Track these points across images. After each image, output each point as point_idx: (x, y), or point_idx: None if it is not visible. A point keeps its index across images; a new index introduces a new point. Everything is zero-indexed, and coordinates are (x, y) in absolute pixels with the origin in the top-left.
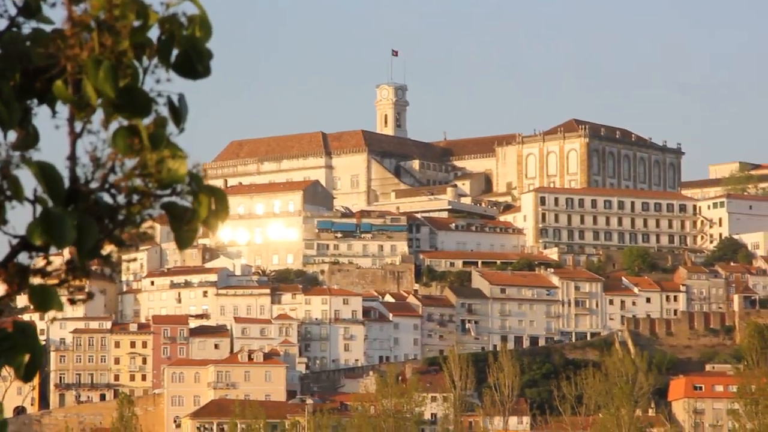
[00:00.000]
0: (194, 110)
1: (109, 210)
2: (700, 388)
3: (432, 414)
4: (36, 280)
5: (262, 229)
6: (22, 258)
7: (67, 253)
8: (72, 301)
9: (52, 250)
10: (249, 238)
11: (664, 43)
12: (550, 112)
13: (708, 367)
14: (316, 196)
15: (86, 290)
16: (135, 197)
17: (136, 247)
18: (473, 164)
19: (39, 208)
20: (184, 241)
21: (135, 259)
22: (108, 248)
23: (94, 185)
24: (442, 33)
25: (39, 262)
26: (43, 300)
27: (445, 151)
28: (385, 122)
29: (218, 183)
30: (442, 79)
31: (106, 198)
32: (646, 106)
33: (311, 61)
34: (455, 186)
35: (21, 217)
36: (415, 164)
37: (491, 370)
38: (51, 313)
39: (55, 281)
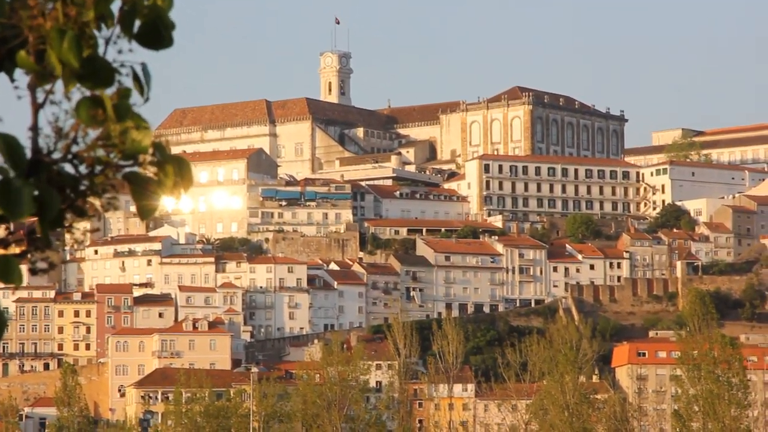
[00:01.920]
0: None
1: (72, 180)
2: (644, 354)
3: (377, 382)
4: None
5: (206, 197)
6: None
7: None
8: (33, 271)
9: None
10: (193, 206)
11: (606, 8)
12: (493, 79)
13: (651, 334)
14: (260, 164)
15: (48, 260)
16: (98, 168)
17: (99, 218)
18: (417, 132)
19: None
20: (146, 212)
21: (98, 230)
22: (70, 218)
23: (56, 156)
24: (386, 0)
25: (0, 232)
26: (5, 272)
27: (389, 119)
28: (329, 90)
29: None
30: (386, 47)
31: (69, 169)
32: (588, 73)
33: (254, 29)
34: (399, 154)
35: None
36: (360, 132)
37: (436, 338)
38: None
39: (17, 251)
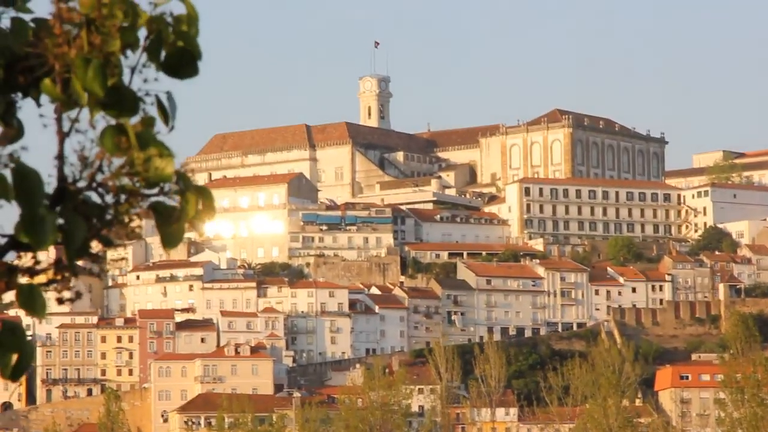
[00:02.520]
0: (177, 104)
1: (98, 209)
2: (687, 377)
3: (419, 406)
4: (24, 280)
5: (246, 222)
6: (10, 257)
7: (54, 252)
8: (60, 301)
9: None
10: (234, 231)
11: (647, 31)
12: (533, 102)
13: (694, 357)
14: (301, 188)
15: (75, 289)
16: (123, 196)
17: (124, 246)
18: (457, 155)
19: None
20: (170, 241)
21: (124, 259)
22: (96, 247)
23: (81, 184)
24: (425, 24)
25: (27, 261)
26: (30, 301)
27: (429, 142)
28: (369, 114)
29: (203, 177)
30: (425, 71)
31: (94, 197)
32: (629, 95)
33: (294, 53)
34: (440, 177)
35: (10, 216)
36: (400, 156)
37: (478, 362)
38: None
39: (43, 280)
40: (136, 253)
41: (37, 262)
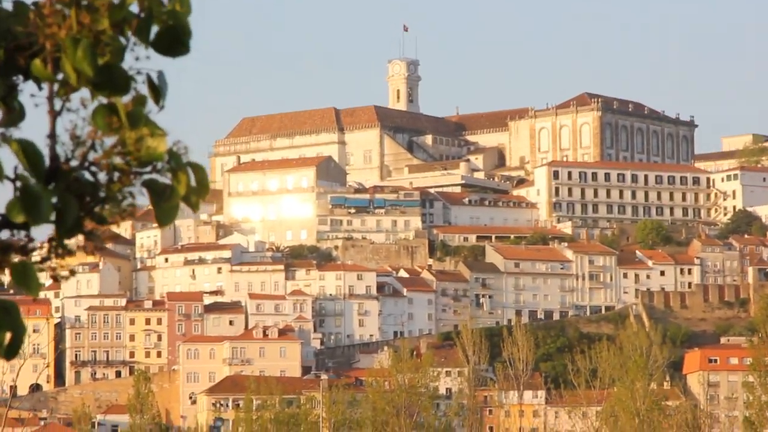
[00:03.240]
0: (206, 87)
1: (90, 187)
2: (715, 360)
3: (446, 389)
4: (17, 258)
5: (275, 205)
6: (3, 235)
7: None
8: (55, 278)
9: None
10: (263, 214)
11: (676, 14)
12: (562, 85)
13: (723, 340)
14: (329, 171)
15: (69, 267)
16: (115, 175)
17: (117, 224)
18: (486, 139)
19: (20, 186)
20: (164, 219)
21: (117, 236)
22: (90, 225)
23: (74, 163)
24: (454, 7)
25: (21, 239)
26: (24, 278)
27: (457, 125)
28: (398, 97)
29: (231, 160)
30: (454, 54)
31: (87, 176)
32: (659, 78)
33: (323, 37)
34: (468, 161)
35: (1, 195)
36: (428, 139)
37: (505, 345)
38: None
39: (38, 258)
40: (164, 236)
41: (31, 240)
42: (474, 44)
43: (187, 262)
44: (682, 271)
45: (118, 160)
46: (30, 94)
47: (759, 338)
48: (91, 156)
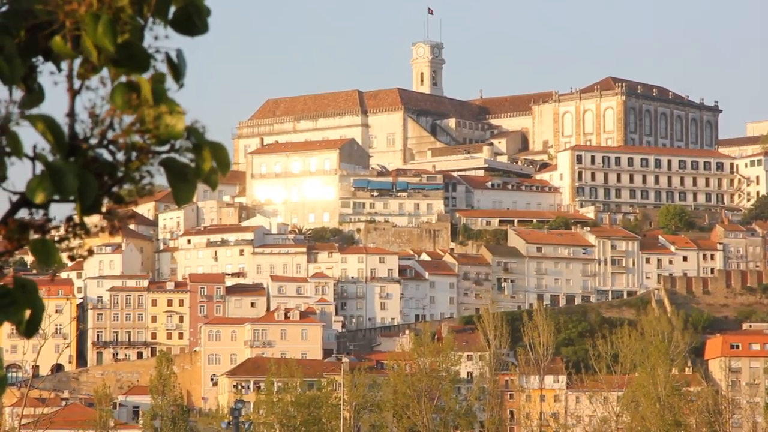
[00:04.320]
0: (230, 69)
1: (108, 166)
2: (737, 346)
3: (468, 373)
4: (36, 236)
5: (298, 187)
6: (22, 214)
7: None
8: (72, 258)
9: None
10: (285, 196)
11: (700, 0)
12: (586, 69)
13: (745, 326)
14: (352, 154)
15: (86, 247)
16: (133, 154)
17: (135, 204)
18: (509, 122)
19: (38, 165)
20: (181, 198)
21: (134, 216)
22: (108, 205)
23: (92, 141)
24: None
25: (39, 218)
26: (45, 255)
27: (481, 109)
28: (421, 80)
29: (254, 141)
30: (478, 37)
31: (105, 155)
32: (682, 63)
33: (347, 19)
34: (491, 144)
35: (20, 173)
36: (452, 123)
37: (527, 329)
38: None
39: (56, 237)
40: (187, 218)
41: (49, 220)
42: (498, 28)
43: (209, 244)
44: (704, 256)
45: (136, 138)
46: (50, 72)
47: None
48: (110, 134)
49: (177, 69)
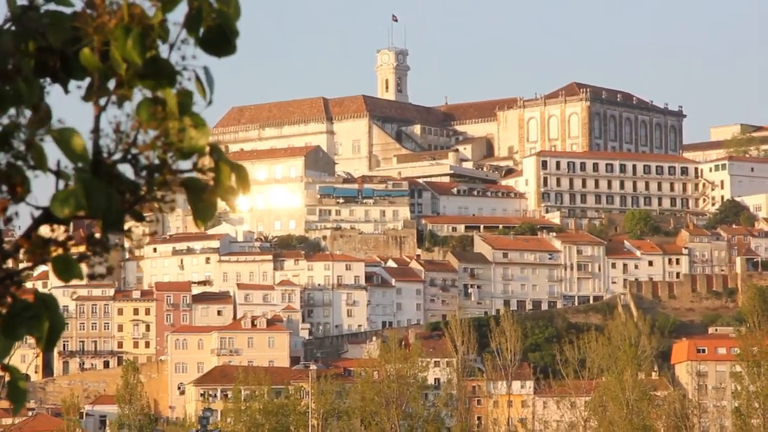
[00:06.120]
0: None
1: (131, 185)
2: (703, 350)
3: (435, 379)
4: (58, 252)
5: (263, 195)
6: (43, 230)
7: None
8: (92, 276)
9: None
10: (251, 204)
11: (664, 4)
12: (551, 75)
13: (711, 330)
14: (318, 161)
15: (107, 264)
16: (156, 174)
17: (156, 221)
18: (474, 129)
19: (61, 180)
20: (204, 215)
21: (155, 233)
22: (128, 223)
23: (116, 157)
24: None
25: (60, 234)
26: (66, 270)
27: (446, 115)
28: (386, 87)
29: None
30: (443, 44)
31: (128, 172)
32: (647, 69)
33: (311, 26)
34: (457, 151)
35: (42, 188)
36: (417, 129)
37: (493, 335)
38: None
39: (76, 254)
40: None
41: (70, 237)
42: (462, 34)
43: (175, 252)
44: (670, 261)
45: (159, 153)
46: (77, 86)
47: (747, 328)
48: (134, 150)
49: (204, 86)
